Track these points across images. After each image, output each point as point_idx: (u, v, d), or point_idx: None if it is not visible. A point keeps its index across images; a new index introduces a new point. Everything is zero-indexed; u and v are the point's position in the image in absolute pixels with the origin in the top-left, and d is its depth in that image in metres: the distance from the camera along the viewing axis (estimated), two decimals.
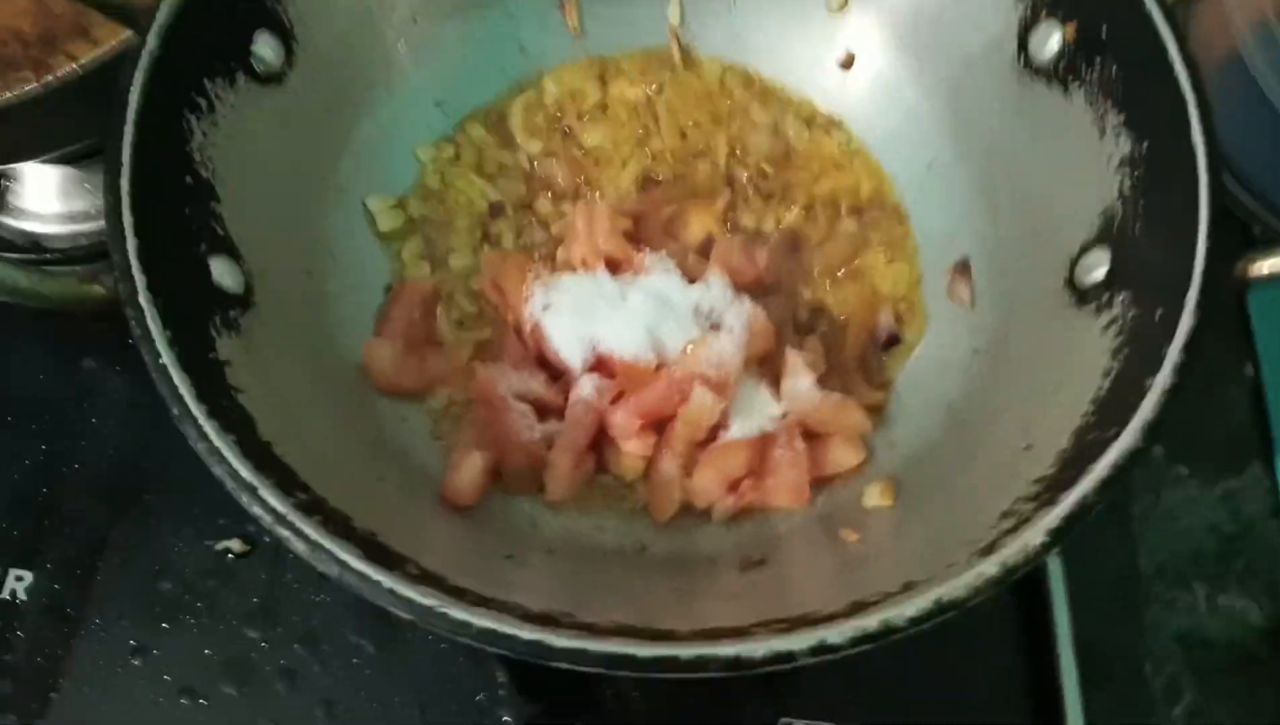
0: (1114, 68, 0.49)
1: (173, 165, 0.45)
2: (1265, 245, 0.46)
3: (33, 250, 0.68)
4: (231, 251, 0.46)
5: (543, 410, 0.51)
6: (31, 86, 0.52)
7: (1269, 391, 0.73)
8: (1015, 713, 0.60)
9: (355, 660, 0.57)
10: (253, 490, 0.37)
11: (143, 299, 0.40)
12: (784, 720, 0.56)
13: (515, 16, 0.61)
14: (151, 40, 0.45)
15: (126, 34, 0.57)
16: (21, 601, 0.58)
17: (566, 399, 0.51)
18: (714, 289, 0.52)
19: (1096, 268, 0.47)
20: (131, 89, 0.44)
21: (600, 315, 0.51)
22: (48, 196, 0.69)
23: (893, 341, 0.55)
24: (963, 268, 0.55)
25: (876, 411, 0.53)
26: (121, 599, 0.59)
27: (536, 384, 0.52)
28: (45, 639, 0.57)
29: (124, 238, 0.41)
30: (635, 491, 0.51)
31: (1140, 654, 0.71)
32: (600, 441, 0.51)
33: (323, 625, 0.58)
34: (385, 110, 0.58)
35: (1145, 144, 0.47)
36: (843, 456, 0.50)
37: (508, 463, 0.50)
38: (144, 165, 0.43)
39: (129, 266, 0.40)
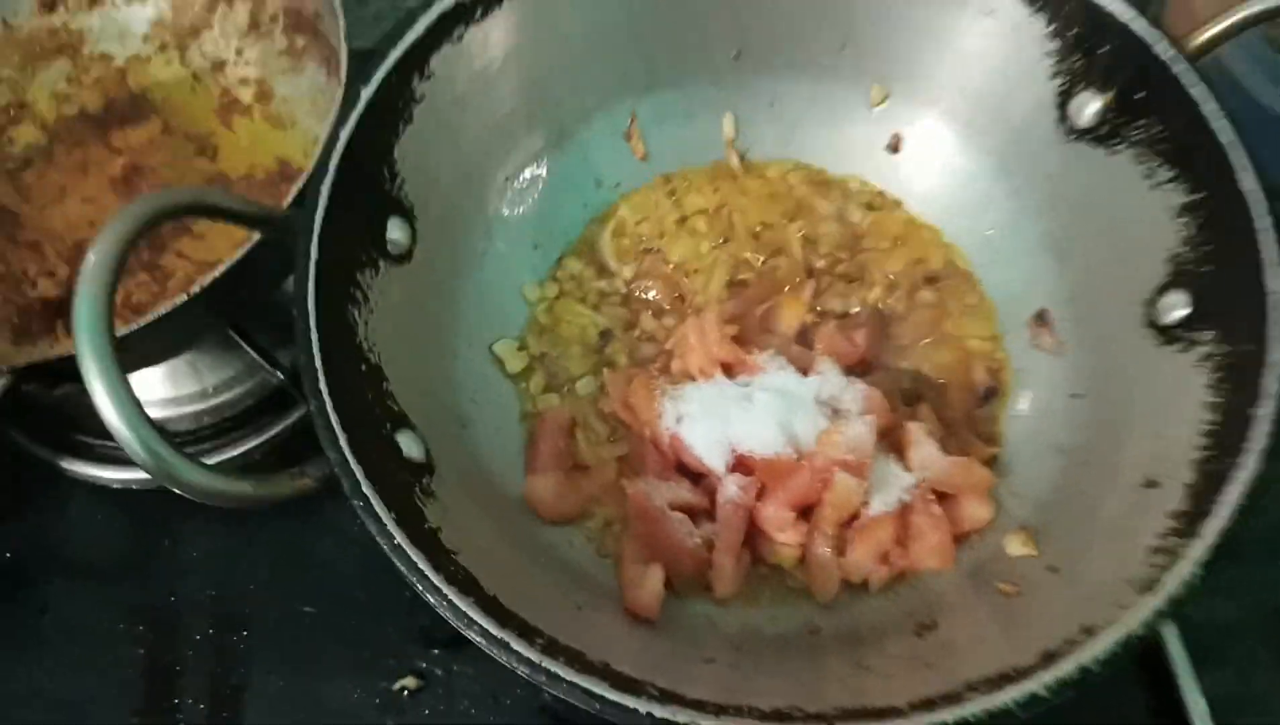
0: (1156, 127, 0.54)
1: (351, 359, 0.50)
2: None
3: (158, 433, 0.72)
4: (408, 423, 0.51)
5: (693, 514, 0.56)
6: (181, 298, 0.56)
7: None
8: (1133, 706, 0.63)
9: None
10: (506, 645, 0.42)
11: (366, 488, 0.44)
12: None
13: (588, 153, 0.67)
14: (312, 250, 0.50)
15: (242, 236, 0.63)
16: None
17: (713, 501, 0.56)
18: (829, 376, 0.57)
19: (1176, 309, 0.53)
20: (306, 297, 0.48)
21: (733, 417, 0.56)
22: (157, 384, 0.73)
23: (991, 394, 0.60)
24: (1040, 318, 0.61)
25: (992, 464, 0.57)
26: None
27: (684, 491, 0.56)
28: None
29: (336, 435, 0.45)
30: (793, 576, 0.55)
31: (1248, 633, 0.75)
32: (753, 535, 0.55)
33: None
34: (491, 262, 0.63)
35: (1199, 194, 0.52)
36: (976, 512, 0.55)
37: (675, 569, 0.54)
38: (331, 366, 0.47)
39: (346, 460, 0.45)
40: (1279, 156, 0.75)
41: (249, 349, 0.67)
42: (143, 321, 0.54)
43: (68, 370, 0.56)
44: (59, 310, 0.67)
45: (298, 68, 0.75)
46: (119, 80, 0.76)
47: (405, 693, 0.64)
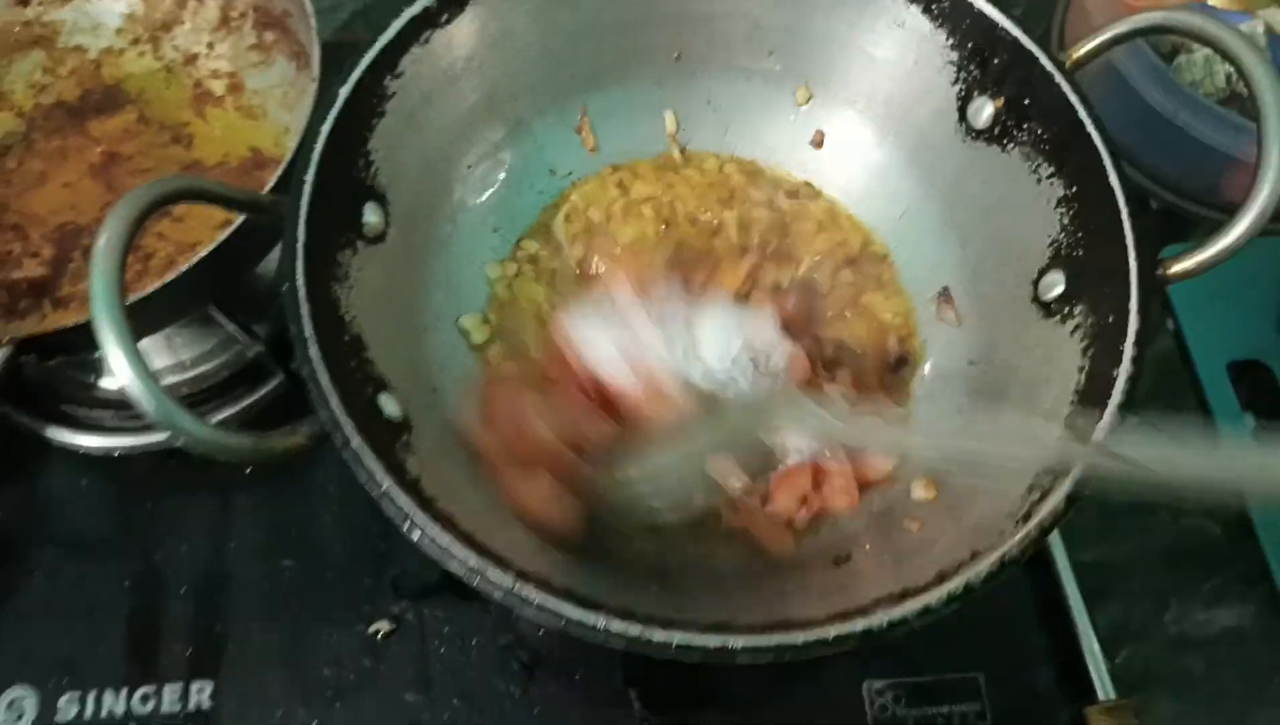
0: (1040, 130, 0.63)
1: (335, 330, 0.55)
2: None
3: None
4: (388, 387, 0.57)
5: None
6: (172, 274, 0.61)
7: (1190, 341, 0.89)
8: (1039, 637, 0.73)
9: (507, 704, 0.68)
10: (481, 573, 0.48)
11: (355, 441, 0.50)
12: (867, 682, 0.69)
13: (542, 145, 0.73)
14: (300, 233, 0.55)
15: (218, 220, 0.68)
16: (208, 708, 0.68)
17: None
18: (765, 324, 0.64)
19: (1055, 287, 0.61)
20: (297, 276, 0.54)
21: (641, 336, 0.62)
22: None
23: (902, 362, 0.68)
24: (945, 295, 0.69)
25: (903, 422, 0.66)
26: (294, 689, 0.68)
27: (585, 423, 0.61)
28: None
29: (328, 396, 0.51)
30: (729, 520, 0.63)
31: (1129, 573, 0.86)
32: None
33: (472, 681, 0.69)
34: (456, 244, 0.69)
35: (1074, 188, 0.61)
36: (878, 462, 0.63)
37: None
38: (320, 337, 0.53)
39: (338, 418, 0.51)
40: (1162, 149, 0.86)
41: (227, 323, 0.72)
42: (139, 294, 0.59)
43: (64, 342, 0.62)
44: (44, 289, 0.71)
45: (267, 61, 0.80)
46: (94, 72, 0.80)
47: (380, 635, 0.70)
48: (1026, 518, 0.51)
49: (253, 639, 0.70)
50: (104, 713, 0.67)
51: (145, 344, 0.76)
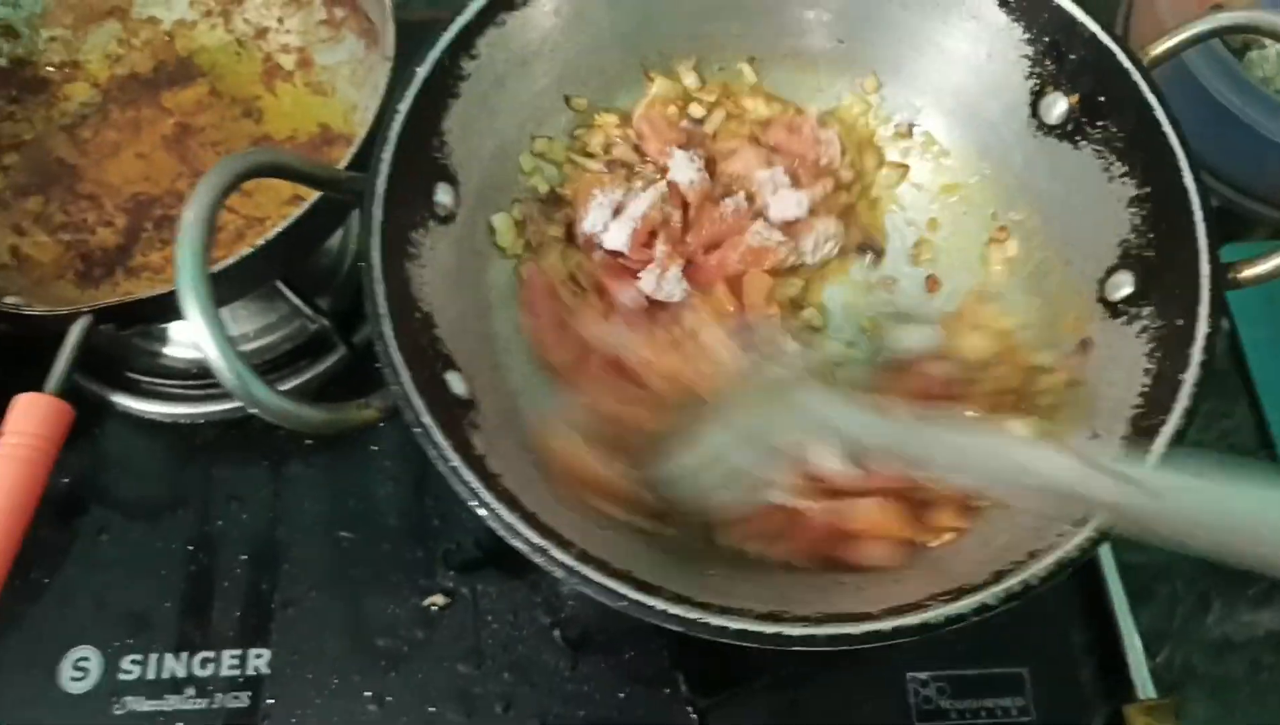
0: (1114, 128, 0.62)
1: (408, 308, 0.57)
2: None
3: (200, 375, 0.78)
4: (454, 365, 0.58)
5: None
6: (247, 250, 0.62)
7: (1245, 343, 0.88)
8: (1081, 635, 0.73)
9: (557, 678, 0.69)
10: (544, 552, 0.49)
11: (425, 418, 0.51)
12: (909, 674, 0.69)
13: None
14: (377, 211, 0.56)
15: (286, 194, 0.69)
16: (265, 674, 0.69)
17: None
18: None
19: (1122, 287, 0.61)
20: (373, 252, 0.55)
21: None
22: None
23: None
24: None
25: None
26: (349, 659, 0.70)
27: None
28: (294, 700, 0.68)
29: (399, 372, 0.52)
30: None
31: (1172, 575, 0.85)
32: None
33: (524, 654, 0.70)
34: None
35: (1147, 188, 0.60)
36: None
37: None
38: (394, 314, 0.54)
39: (408, 394, 0.52)
40: (1227, 146, 0.85)
41: (295, 298, 0.73)
42: (215, 267, 0.60)
43: (143, 312, 0.63)
44: (118, 258, 0.73)
45: (337, 38, 0.81)
46: (167, 44, 0.82)
47: (434, 609, 0.71)
48: (1084, 520, 0.51)
49: (309, 608, 0.71)
50: (165, 674, 0.69)
51: None
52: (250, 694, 0.69)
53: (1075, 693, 0.70)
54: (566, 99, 0.72)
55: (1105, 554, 0.83)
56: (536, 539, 0.49)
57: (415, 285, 0.58)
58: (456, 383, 0.57)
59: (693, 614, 0.48)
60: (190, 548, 0.73)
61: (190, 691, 0.69)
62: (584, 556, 0.50)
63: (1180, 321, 0.56)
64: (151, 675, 0.69)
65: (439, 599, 0.71)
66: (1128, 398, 0.56)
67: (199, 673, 0.69)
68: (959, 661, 0.70)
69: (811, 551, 0.59)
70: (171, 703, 0.68)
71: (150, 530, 0.74)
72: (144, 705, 0.68)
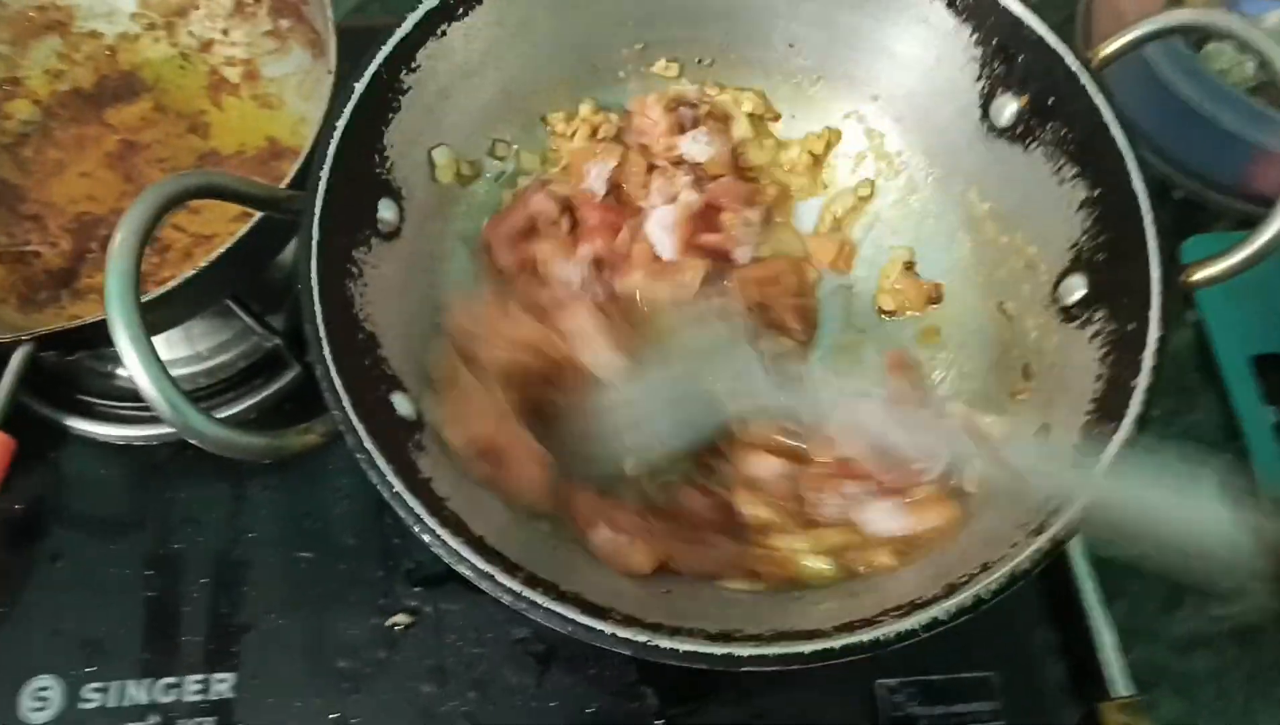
0: (1063, 130, 0.62)
1: (349, 329, 0.56)
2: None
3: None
4: (400, 386, 0.57)
5: None
6: (184, 274, 0.61)
7: (1212, 334, 0.88)
8: (1051, 634, 0.72)
9: (522, 695, 0.68)
10: (490, 578, 0.48)
11: (368, 444, 0.51)
12: (878, 681, 0.69)
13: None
14: (314, 230, 0.55)
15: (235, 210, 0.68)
16: (229, 698, 0.68)
17: None
18: None
19: (1075, 291, 0.60)
20: (310, 274, 0.54)
21: None
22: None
23: None
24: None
25: None
26: (312, 680, 0.68)
27: None
28: (259, 723, 0.68)
29: (340, 396, 0.51)
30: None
31: (1144, 571, 0.85)
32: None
33: (487, 673, 0.69)
34: (472, 241, 0.69)
35: (1097, 190, 0.60)
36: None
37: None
38: (333, 335, 0.53)
39: (350, 419, 0.51)
40: (1187, 138, 0.85)
41: (246, 317, 0.72)
42: (156, 292, 0.59)
43: (84, 338, 0.62)
44: (63, 280, 0.72)
45: (283, 49, 0.79)
46: (109, 58, 0.80)
47: (397, 628, 0.70)
48: (1039, 530, 0.51)
49: (272, 630, 0.70)
50: (128, 701, 0.68)
51: (161, 336, 0.77)
52: (215, 719, 0.67)
53: (1046, 693, 0.70)
54: (542, 118, 0.73)
55: (1076, 553, 0.82)
56: (482, 565, 0.49)
57: (358, 305, 0.57)
58: (402, 404, 0.57)
59: (641, 637, 0.48)
60: (149, 572, 0.72)
61: (155, 719, 0.67)
62: (531, 580, 0.50)
63: (1132, 326, 0.55)
64: (114, 703, 0.68)
65: (401, 618, 0.71)
66: (1081, 404, 0.56)
67: (162, 699, 0.68)
68: (928, 667, 0.69)
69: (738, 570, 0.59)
70: None
71: (107, 554, 0.72)
72: None
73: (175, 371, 0.76)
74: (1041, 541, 0.50)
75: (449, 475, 0.55)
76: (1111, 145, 0.58)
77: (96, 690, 0.68)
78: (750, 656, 0.47)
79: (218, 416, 0.74)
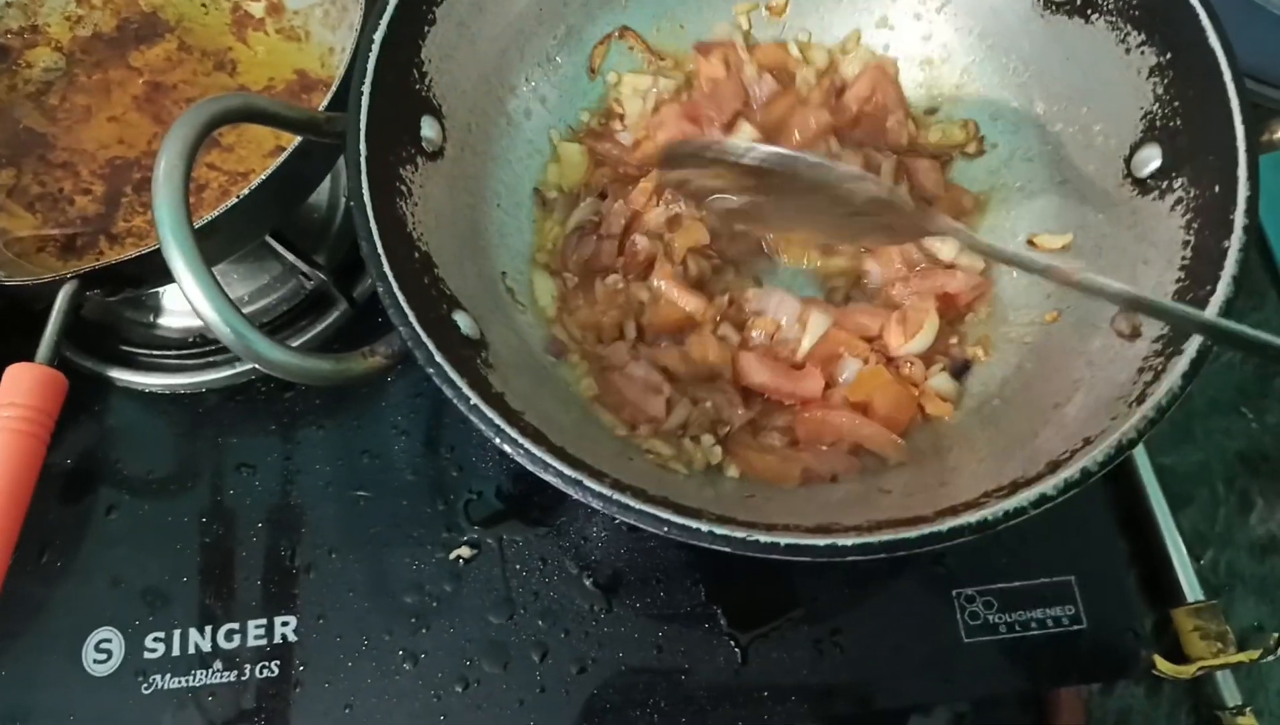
0: None
1: (405, 247, 0.54)
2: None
3: (200, 343, 0.76)
4: (460, 306, 0.55)
5: None
6: (230, 201, 0.59)
7: (1270, 234, 0.86)
8: (1118, 541, 0.71)
9: (591, 623, 0.67)
10: (579, 484, 0.47)
11: (439, 358, 0.49)
12: (955, 591, 0.68)
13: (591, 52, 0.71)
14: (361, 147, 0.53)
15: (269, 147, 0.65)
16: (293, 641, 0.67)
17: None
18: None
19: (1150, 161, 0.58)
20: (363, 192, 0.52)
21: None
22: None
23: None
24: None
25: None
26: (378, 618, 0.68)
27: None
28: (325, 665, 0.66)
29: (406, 313, 0.49)
30: None
31: (1212, 475, 0.84)
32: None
33: (555, 601, 0.68)
34: (515, 159, 0.67)
35: (1168, 55, 0.57)
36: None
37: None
38: (392, 254, 0.51)
39: (418, 334, 0.49)
40: (1239, 30, 0.81)
41: (288, 254, 0.70)
42: (203, 220, 0.57)
43: (130, 275, 0.60)
44: (100, 225, 0.70)
45: None
46: (129, 1, 0.78)
47: (461, 561, 0.69)
48: (1141, 399, 0.49)
49: (332, 570, 0.69)
50: (191, 649, 0.67)
51: None
52: (279, 662, 0.67)
53: (1122, 598, 0.68)
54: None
55: (1141, 458, 0.81)
56: (569, 472, 0.47)
57: (410, 224, 0.55)
58: (465, 322, 0.55)
59: (739, 533, 0.46)
60: (204, 519, 0.71)
61: (218, 665, 0.67)
62: (619, 485, 0.48)
63: (1218, 187, 0.53)
64: (177, 652, 0.67)
65: (464, 551, 0.69)
66: (1167, 275, 0.54)
67: (225, 645, 0.67)
68: (1004, 575, 0.68)
69: (830, 449, 0.58)
70: (200, 678, 0.66)
71: (161, 505, 0.72)
72: (172, 683, 0.66)
73: None
74: (1145, 410, 0.48)
75: (519, 392, 0.53)
76: (1183, 2, 0.56)
77: (158, 640, 0.67)
78: (854, 546, 0.46)
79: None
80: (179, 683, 0.66)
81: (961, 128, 0.69)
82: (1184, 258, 0.53)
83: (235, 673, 0.67)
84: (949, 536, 0.46)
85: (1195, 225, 0.54)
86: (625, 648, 0.67)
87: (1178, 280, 0.53)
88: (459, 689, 0.66)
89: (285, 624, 0.68)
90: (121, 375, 0.74)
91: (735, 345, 0.63)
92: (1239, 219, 0.51)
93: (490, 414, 0.48)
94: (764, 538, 0.46)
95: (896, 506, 0.52)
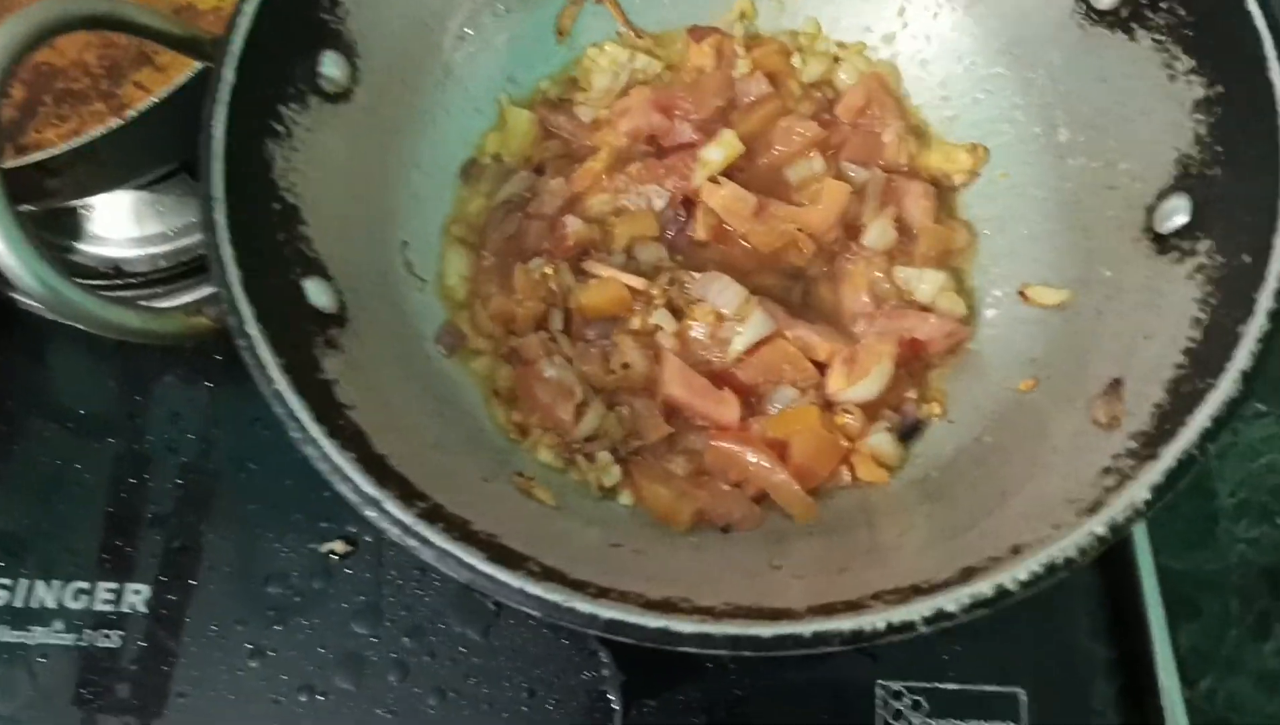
0: (1181, 10, 0.48)
1: (261, 194, 0.46)
2: None
3: (114, 275, 0.70)
4: (322, 272, 0.48)
5: None
6: (114, 121, 0.52)
7: None
8: (1102, 650, 0.60)
9: (462, 649, 0.60)
10: (377, 504, 0.39)
11: (251, 328, 0.41)
12: (879, 683, 0.58)
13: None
14: (228, 72, 0.46)
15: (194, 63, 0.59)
16: (141, 613, 0.61)
17: None
18: None
19: (1175, 215, 0.47)
20: (214, 122, 0.45)
21: None
22: (122, 222, 0.71)
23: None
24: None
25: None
26: (234, 605, 0.61)
27: None
28: (166, 647, 0.60)
29: (226, 270, 0.42)
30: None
31: (1227, 589, 0.72)
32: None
33: (428, 618, 0.60)
34: (445, 117, 0.59)
35: (1219, 87, 0.46)
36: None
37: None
38: (235, 198, 0.44)
39: (235, 298, 0.42)
40: None
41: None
42: (63, 146, 0.51)
43: None
44: (10, 135, 0.63)
45: None
46: None
47: (334, 556, 0.62)
48: (1094, 509, 0.39)
49: (201, 544, 0.63)
50: (34, 603, 0.62)
51: (132, 207, 0.70)
52: (122, 634, 0.61)
53: (1085, 721, 0.58)
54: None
55: (1144, 554, 0.70)
56: (368, 487, 0.39)
57: (278, 170, 0.48)
58: (318, 292, 0.47)
59: (555, 596, 0.37)
60: (78, 466, 0.65)
61: (58, 625, 0.61)
62: (432, 514, 0.40)
63: (1247, 258, 0.42)
64: (19, 603, 0.62)
65: (338, 546, 0.62)
66: (1168, 355, 0.43)
67: (70, 604, 0.62)
68: (940, 673, 0.58)
69: (733, 491, 0.50)
70: (36, 635, 0.61)
71: (34, 444, 0.66)
72: (5, 635, 0.61)
73: (140, 250, 0.71)
74: (1094, 526, 0.38)
75: (366, 384, 0.45)
76: (1246, 26, 0.45)
77: (2, 587, 0.62)
78: (690, 634, 0.37)
79: (172, 302, 0.69)
80: (13, 637, 0.61)
81: (969, 151, 0.58)
82: (1191, 339, 0.43)
83: (74, 636, 0.61)
84: (811, 643, 0.37)
85: (1213, 301, 0.44)
86: (493, 684, 0.59)
87: (1178, 365, 0.43)
88: (302, 698, 0.59)
89: (137, 593, 0.62)
90: (29, 302, 0.68)
91: (669, 339, 0.54)
92: (1265, 300, 0.40)
93: (291, 401, 0.40)
94: (583, 607, 0.37)
95: (778, 589, 0.43)
